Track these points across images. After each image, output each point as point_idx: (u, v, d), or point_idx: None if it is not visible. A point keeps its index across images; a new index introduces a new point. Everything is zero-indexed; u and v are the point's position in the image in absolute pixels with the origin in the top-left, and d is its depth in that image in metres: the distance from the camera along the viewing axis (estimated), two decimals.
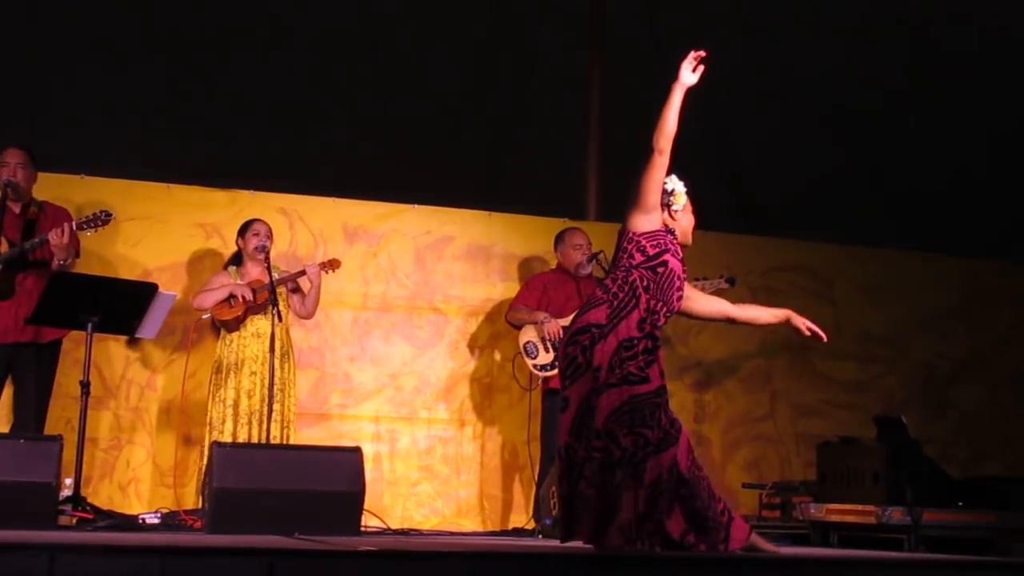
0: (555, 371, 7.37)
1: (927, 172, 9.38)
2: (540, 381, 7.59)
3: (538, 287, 7.69)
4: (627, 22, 9.36)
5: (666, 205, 5.26)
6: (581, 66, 9.24)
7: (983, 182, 9.41)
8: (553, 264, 7.95)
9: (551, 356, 7.42)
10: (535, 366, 7.51)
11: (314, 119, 8.46)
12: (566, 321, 7.41)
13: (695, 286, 7.20)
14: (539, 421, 7.68)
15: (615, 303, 5.09)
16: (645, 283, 5.11)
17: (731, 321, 5.66)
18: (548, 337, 7.40)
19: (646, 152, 5.09)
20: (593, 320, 5.08)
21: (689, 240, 5.35)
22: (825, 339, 5.51)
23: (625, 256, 5.16)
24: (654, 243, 5.15)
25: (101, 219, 6.59)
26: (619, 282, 5.13)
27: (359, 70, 8.59)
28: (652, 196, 5.15)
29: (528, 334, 7.54)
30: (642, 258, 5.13)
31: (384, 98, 8.64)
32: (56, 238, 6.52)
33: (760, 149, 9.28)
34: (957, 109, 9.33)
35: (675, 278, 5.17)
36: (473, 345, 8.27)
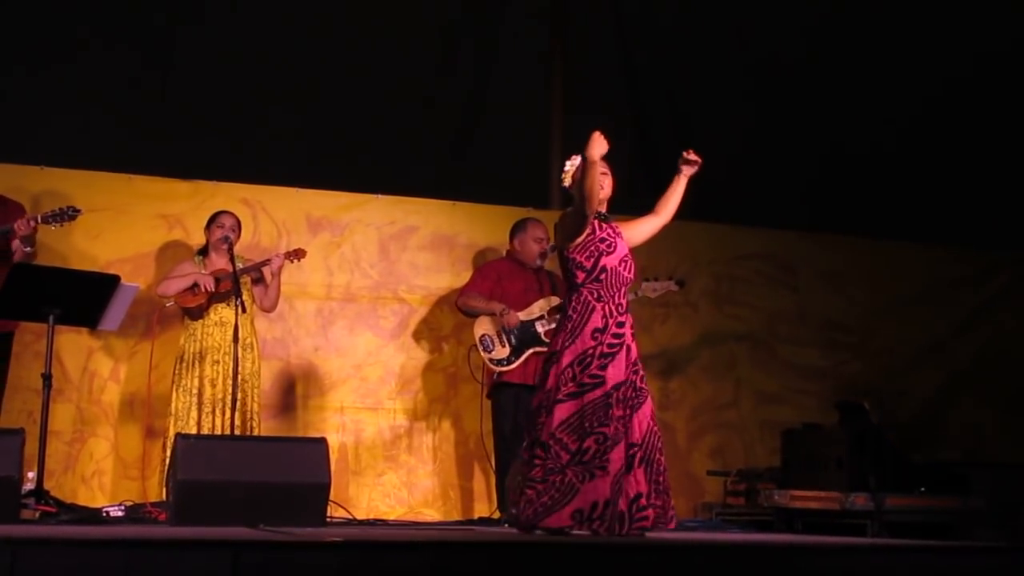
0: (510, 367, 7.30)
1: (885, 158, 9.43)
2: (495, 375, 7.44)
3: (491, 276, 7.56)
4: (588, 10, 9.36)
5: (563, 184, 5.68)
6: (543, 54, 9.24)
7: (941, 170, 9.46)
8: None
9: (507, 351, 7.29)
10: (491, 360, 7.33)
11: (276, 109, 8.42)
12: (523, 315, 7.35)
13: (645, 287, 7.42)
14: (491, 414, 7.58)
15: (570, 325, 5.52)
16: (596, 294, 5.53)
17: (665, 203, 5.89)
18: (508, 328, 7.32)
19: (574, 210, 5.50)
20: (556, 347, 5.56)
21: (607, 195, 5.68)
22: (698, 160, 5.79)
23: (571, 277, 5.60)
24: (586, 254, 5.55)
25: (68, 214, 6.54)
26: (574, 303, 5.56)
27: (321, 59, 8.56)
28: (580, 233, 5.55)
29: (484, 326, 7.38)
30: (584, 275, 5.55)
31: (346, 88, 8.60)
32: (24, 229, 6.47)
33: (723, 137, 9.29)
34: (915, 96, 9.38)
35: (618, 272, 5.56)
36: (438, 335, 8.26)
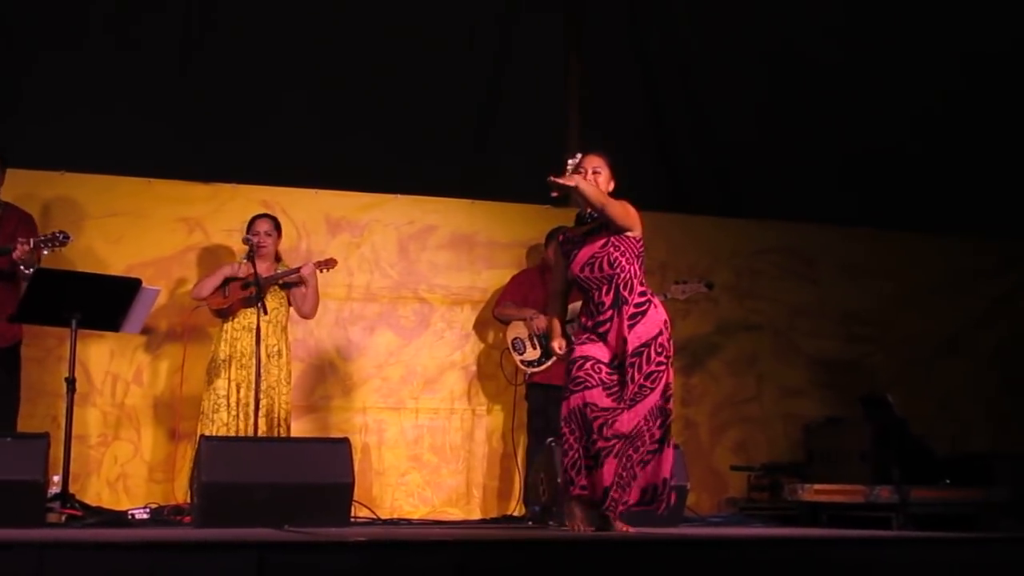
0: (541, 367, 7.50)
1: (904, 150, 9.38)
2: (526, 375, 7.66)
3: (525, 284, 7.82)
4: (603, 5, 9.34)
5: None
6: (558, 51, 9.22)
7: (960, 160, 9.41)
8: (536, 251, 8.02)
9: (538, 352, 7.52)
10: (522, 362, 7.60)
11: (294, 111, 8.42)
12: None
13: (674, 289, 7.48)
14: (525, 411, 7.77)
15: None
16: (583, 299, 5.87)
17: None
18: (536, 331, 7.47)
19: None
20: None
21: (596, 201, 5.68)
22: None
23: None
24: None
25: (59, 239, 6.54)
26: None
27: (337, 60, 8.56)
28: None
29: (516, 330, 7.63)
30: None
31: (364, 89, 8.60)
32: (23, 251, 6.49)
33: (740, 130, 9.26)
34: (932, 86, 9.34)
35: (582, 277, 5.76)
36: (459, 334, 8.27)
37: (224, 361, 7.08)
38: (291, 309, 7.30)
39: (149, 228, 7.79)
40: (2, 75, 7.81)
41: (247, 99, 8.28)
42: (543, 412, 7.47)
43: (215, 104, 8.21)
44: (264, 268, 7.13)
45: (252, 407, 6.85)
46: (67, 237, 6.58)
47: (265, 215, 7.37)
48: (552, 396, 7.30)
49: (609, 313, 5.67)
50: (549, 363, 7.43)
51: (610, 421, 5.54)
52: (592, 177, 5.72)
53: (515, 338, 7.61)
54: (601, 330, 5.68)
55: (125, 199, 7.79)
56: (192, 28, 8.38)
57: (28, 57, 8.04)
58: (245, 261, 7.13)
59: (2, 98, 7.77)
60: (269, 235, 7.23)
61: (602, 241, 5.71)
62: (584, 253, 5.75)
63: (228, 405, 7.02)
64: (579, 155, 5.82)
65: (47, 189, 7.57)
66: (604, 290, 5.69)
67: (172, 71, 8.29)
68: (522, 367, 7.63)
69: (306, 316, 7.37)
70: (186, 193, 7.91)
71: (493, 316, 7.93)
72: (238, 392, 7.03)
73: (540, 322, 7.47)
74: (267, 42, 8.39)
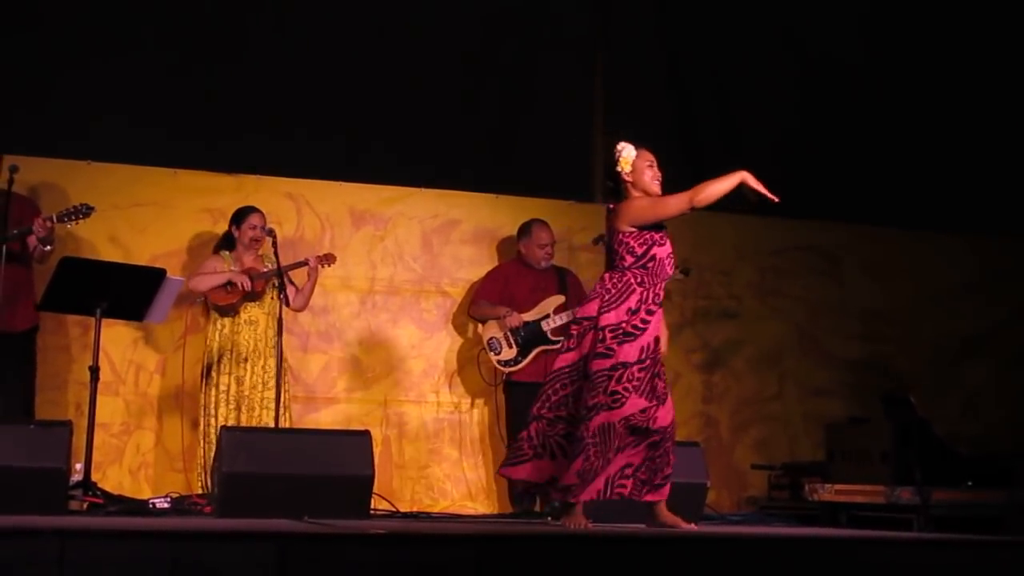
0: (518, 367, 7.53)
1: (932, 148, 9.33)
2: (504, 375, 7.68)
3: (499, 280, 7.79)
4: (631, 1, 9.32)
5: (619, 171, 5.72)
6: (585, 46, 9.21)
7: (988, 158, 9.35)
8: (508, 244, 8.16)
9: (514, 351, 7.54)
10: (499, 362, 7.60)
11: (319, 103, 8.43)
12: (529, 315, 7.53)
13: None
14: (504, 413, 7.79)
15: (607, 297, 5.61)
16: (639, 279, 5.63)
17: None
18: (512, 328, 7.49)
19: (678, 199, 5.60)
20: (586, 314, 5.67)
21: (654, 189, 5.72)
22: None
23: (618, 259, 5.69)
24: (640, 241, 5.65)
25: (82, 212, 6.58)
26: (615, 280, 5.65)
27: (364, 53, 8.56)
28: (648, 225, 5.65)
29: (491, 330, 7.62)
30: (632, 259, 5.64)
31: (389, 81, 8.60)
32: (42, 230, 6.52)
33: (767, 128, 9.22)
34: (961, 80, 9.28)
35: (663, 265, 5.69)
36: (480, 328, 8.26)
37: (222, 355, 7.13)
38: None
39: (174, 219, 7.83)
40: (33, 66, 7.84)
41: (272, 92, 8.29)
42: (525, 411, 7.38)
43: (240, 97, 8.22)
44: (252, 260, 7.20)
45: (256, 400, 7.04)
46: (90, 208, 6.62)
47: (256, 209, 7.40)
48: (534, 394, 7.28)
49: (659, 308, 5.66)
50: (526, 362, 7.50)
51: (651, 419, 5.54)
52: (653, 171, 5.74)
53: (490, 338, 7.61)
54: (649, 319, 5.59)
55: (150, 189, 7.82)
56: (219, 24, 8.39)
57: (60, 46, 8.07)
58: (229, 254, 7.21)
59: (32, 88, 7.80)
60: (264, 228, 7.28)
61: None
62: (669, 246, 5.73)
63: (227, 399, 7.08)
64: (630, 145, 5.74)
65: (73, 178, 7.59)
66: (662, 286, 5.69)
67: (199, 65, 8.30)
68: (499, 367, 7.64)
69: (299, 309, 7.46)
70: (211, 184, 7.94)
71: (468, 314, 7.96)
72: (239, 386, 7.09)
73: (515, 320, 7.50)
74: (293, 35, 8.40)
